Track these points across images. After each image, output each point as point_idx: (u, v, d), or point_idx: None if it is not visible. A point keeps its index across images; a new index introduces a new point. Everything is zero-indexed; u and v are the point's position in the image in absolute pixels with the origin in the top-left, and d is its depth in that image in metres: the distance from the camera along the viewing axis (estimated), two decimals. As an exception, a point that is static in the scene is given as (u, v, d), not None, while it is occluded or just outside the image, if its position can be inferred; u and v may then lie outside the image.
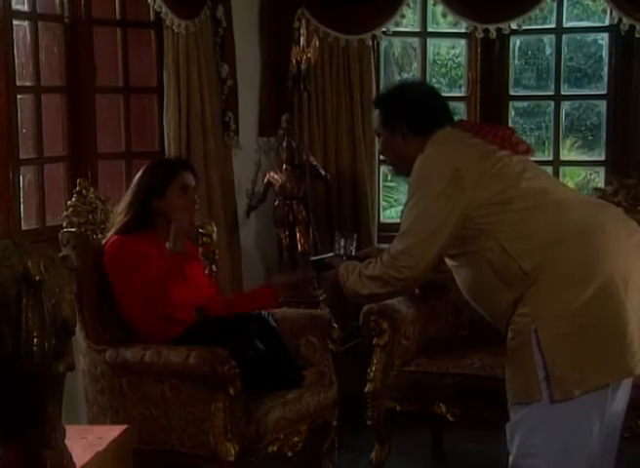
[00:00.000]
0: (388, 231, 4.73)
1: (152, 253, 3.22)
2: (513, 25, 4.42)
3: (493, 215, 2.65)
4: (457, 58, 6.60)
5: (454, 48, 6.09)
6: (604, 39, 4.77)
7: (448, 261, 2.88)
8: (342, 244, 3.26)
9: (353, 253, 3.18)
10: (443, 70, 7.37)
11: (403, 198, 7.27)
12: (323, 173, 4.45)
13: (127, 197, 3.33)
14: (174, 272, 3.20)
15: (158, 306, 3.17)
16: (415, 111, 2.85)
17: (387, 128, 2.87)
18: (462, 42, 4.87)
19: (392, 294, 3.01)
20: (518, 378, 2.65)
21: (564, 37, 4.63)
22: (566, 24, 4.64)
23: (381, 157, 3.22)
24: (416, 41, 4.96)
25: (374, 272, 2.77)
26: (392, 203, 7.19)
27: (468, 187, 2.64)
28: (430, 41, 4.90)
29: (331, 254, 3.21)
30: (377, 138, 3.05)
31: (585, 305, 2.57)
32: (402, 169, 2.87)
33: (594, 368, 2.59)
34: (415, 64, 5.30)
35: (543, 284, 2.61)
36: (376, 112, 2.94)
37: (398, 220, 4.23)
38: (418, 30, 4.82)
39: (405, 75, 6.74)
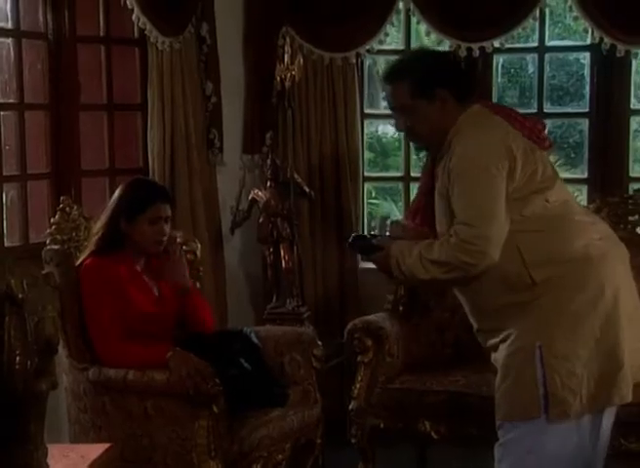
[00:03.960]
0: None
1: (123, 276, 3.23)
2: (496, 44, 4.43)
3: (518, 213, 2.66)
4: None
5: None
6: (586, 58, 4.80)
7: None
8: (378, 224, 3.11)
9: (382, 235, 3.00)
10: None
11: (386, 214, 7.30)
12: (307, 190, 4.46)
13: (103, 216, 3.33)
14: (144, 298, 3.24)
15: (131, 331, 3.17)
16: (458, 75, 2.83)
17: (422, 96, 2.71)
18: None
19: (457, 280, 2.76)
20: (516, 395, 2.65)
21: (546, 56, 4.66)
22: (548, 43, 4.67)
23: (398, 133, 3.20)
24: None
25: (440, 257, 2.64)
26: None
27: (517, 174, 2.65)
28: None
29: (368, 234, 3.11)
30: (397, 115, 2.82)
31: (589, 330, 2.62)
32: (433, 141, 2.76)
33: (592, 392, 2.62)
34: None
35: (549, 300, 2.63)
36: (395, 85, 2.76)
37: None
38: (401, 48, 4.84)
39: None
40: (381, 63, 4.87)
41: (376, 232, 3.06)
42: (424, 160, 3.05)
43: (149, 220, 3.27)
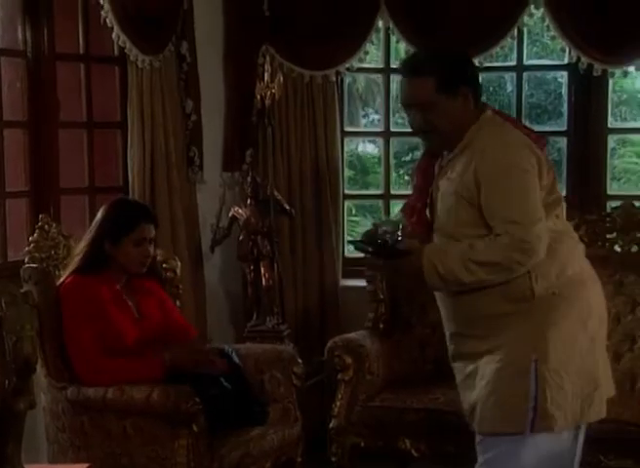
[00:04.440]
0: (353, 266, 4.77)
1: (104, 296, 3.23)
2: (475, 63, 4.46)
3: None
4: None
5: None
6: (563, 77, 4.85)
7: (443, 240, 2.77)
8: (387, 230, 2.82)
9: (395, 239, 2.78)
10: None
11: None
12: (287, 207, 4.47)
13: (86, 236, 3.33)
14: (124, 318, 3.24)
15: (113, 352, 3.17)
16: (477, 75, 2.81)
17: (447, 92, 2.68)
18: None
19: (496, 281, 2.67)
20: (506, 409, 2.65)
21: (524, 74, 4.70)
22: (526, 62, 4.72)
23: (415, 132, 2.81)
24: (379, 77, 5.01)
25: (489, 257, 2.61)
26: (356, 237, 7.22)
27: (543, 181, 2.70)
28: (393, 77, 4.95)
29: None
30: (414, 111, 2.74)
31: (578, 348, 2.69)
32: (451, 139, 2.73)
33: (575, 408, 2.67)
34: (378, 99, 5.35)
35: (544, 314, 2.66)
36: (420, 79, 2.69)
37: (362, 255, 4.36)
38: (381, 67, 4.87)
39: (369, 110, 6.81)
40: (361, 81, 4.90)
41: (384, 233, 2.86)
42: (415, 164, 3.03)
43: (134, 242, 3.28)
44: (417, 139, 5.15)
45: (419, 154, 6.62)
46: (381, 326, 4.11)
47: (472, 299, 2.70)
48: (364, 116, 7.49)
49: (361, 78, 5.13)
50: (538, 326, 2.65)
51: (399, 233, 2.72)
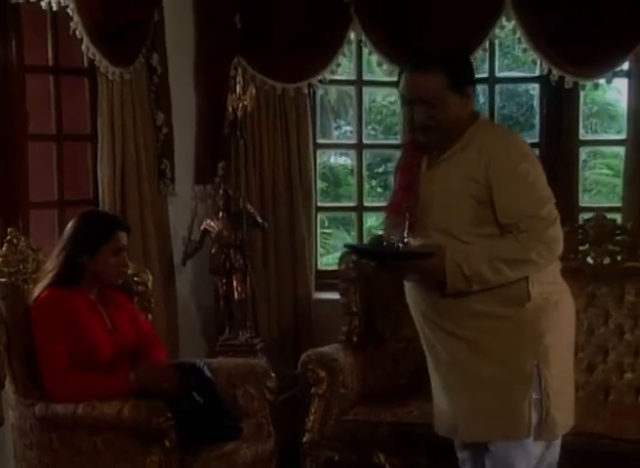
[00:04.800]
0: (326, 278, 4.77)
1: (79, 308, 3.21)
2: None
3: None
4: (392, 104, 6.71)
5: (389, 95, 6.18)
6: (535, 89, 4.89)
7: (437, 235, 2.75)
8: (394, 234, 2.82)
9: (405, 241, 2.77)
10: (378, 117, 7.47)
11: (340, 244, 7.30)
12: (260, 220, 4.46)
13: (58, 250, 3.30)
14: (99, 330, 3.21)
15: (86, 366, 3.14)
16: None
17: (456, 90, 2.71)
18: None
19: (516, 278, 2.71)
20: (505, 414, 2.68)
21: (496, 87, 4.73)
22: (498, 74, 4.75)
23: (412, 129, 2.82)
24: (351, 89, 5.02)
25: (516, 254, 2.65)
26: (329, 250, 7.24)
27: None
28: (366, 89, 4.97)
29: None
30: (418, 107, 2.72)
31: (570, 353, 2.80)
32: (451, 137, 2.74)
33: (570, 413, 2.77)
34: (350, 111, 5.37)
35: (540, 320, 2.70)
36: (430, 75, 2.70)
37: (335, 267, 4.38)
38: (353, 79, 4.88)
39: (341, 122, 6.83)
40: (333, 93, 4.90)
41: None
42: (397, 164, 2.99)
43: (112, 251, 3.26)
44: (389, 151, 5.27)
45: (392, 165, 6.68)
46: (355, 339, 4.11)
47: (468, 301, 2.70)
48: (336, 128, 7.52)
49: (333, 90, 5.14)
50: (534, 331, 2.69)
51: (405, 236, 2.71)
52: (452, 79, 2.70)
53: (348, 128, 7.26)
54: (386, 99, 7.07)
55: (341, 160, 7.52)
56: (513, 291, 2.68)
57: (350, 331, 4.12)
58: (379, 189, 7.69)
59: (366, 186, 4.89)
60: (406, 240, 2.71)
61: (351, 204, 5.07)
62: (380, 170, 7.53)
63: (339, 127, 7.53)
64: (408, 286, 2.87)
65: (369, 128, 4.98)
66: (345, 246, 2.83)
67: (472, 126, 2.75)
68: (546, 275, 2.73)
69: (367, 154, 5.03)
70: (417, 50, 4.37)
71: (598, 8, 4.13)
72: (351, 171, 6.10)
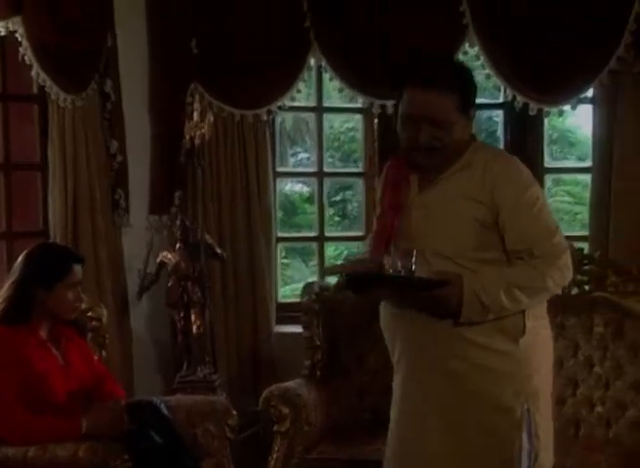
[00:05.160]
0: (286, 311, 4.75)
1: (29, 346, 3.15)
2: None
3: None
4: (349, 131, 6.73)
5: (347, 121, 6.21)
6: (499, 116, 4.94)
7: (437, 261, 2.66)
8: (399, 260, 2.63)
9: (413, 269, 2.59)
10: (336, 144, 7.49)
11: (297, 275, 7.26)
12: (219, 251, 4.43)
13: (7, 285, 3.24)
14: (51, 368, 3.16)
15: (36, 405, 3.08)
16: None
17: (464, 112, 2.62)
18: (358, 117, 4.96)
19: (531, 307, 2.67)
20: (495, 460, 2.64)
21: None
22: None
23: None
24: (307, 115, 5.04)
25: (534, 282, 2.60)
26: (287, 281, 7.22)
27: None
28: (326, 116, 4.99)
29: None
30: (423, 126, 2.59)
31: (551, 391, 2.77)
32: (451, 158, 2.67)
33: (552, 451, 2.75)
34: (307, 138, 5.38)
35: (531, 358, 2.67)
36: (443, 96, 2.57)
37: (296, 300, 4.35)
38: (313, 105, 4.90)
39: (297, 149, 6.83)
40: (289, 120, 4.90)
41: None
42: (384, 180, 2.84)
43: (68, 286, 3.22)
44: (348, 179, 5.28)
45: (350, 194, 6.68)
46: (319, 373, 4.09)
47: (464, 330, 2.63)
48: (292, 155, 7.52)
49: (289, 116, 5.15)
50: (525, 371, 2.66)
51: (413, 262, 2.57)
52: (463, 101, 2.62)
53: (304, 155, 7.27)
54: (344, 126, 7.10)
55: (297, 187, 7.52)
56: (510, 323, 2.64)
57: (313, 364, 4.10)
58: (336, 218, 7.70)
59: (327, 215, 4.89)
60: (414, 267, 2.56)
61: (311, 233, 5.06)
62: (338, 197, 7.54)
63: (295, 154, 7.54)
64: (389, 312, 2.79)
65: (327, 155, 4.97)
66: (346, 275, 2.67)
67: (470, 147, 2.70)
68: (540, 308, 2.71)
69: (326, 182, 5.02)
70: (378, 75, 4.44)
71: (563, 34, 4.19)
72: (307, 199, 6.11)
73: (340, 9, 4.50)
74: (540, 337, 2.72)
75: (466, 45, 4.39)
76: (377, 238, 2.78)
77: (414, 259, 2.55)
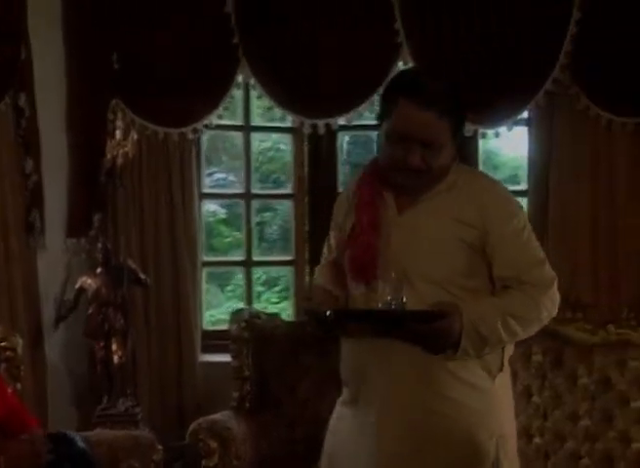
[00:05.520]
0: (212, 339, 4.67)
1: None
2: (342, 121, 4.52)
3: None
4: (268, 151, 6.68)
5: (264, 141, 6.16)
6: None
7: (425, 287, 2.55)
8: (388, 290, 2.50)
9: (404, 301, 2.48)
10: (255, 165, 7.43)
11: (214, 301, 7.17)
12: (142, 277, 4.33)
13: None
14: None
15: None
16: None
17: (455, 136, 2.56)
18: (288, 137, 4.93)
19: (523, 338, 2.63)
20: None
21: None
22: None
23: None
24: (225, 133, 5.00)
25: (528, 311, 2.53)
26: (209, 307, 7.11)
27: None
28: (254, 135, 4.95)
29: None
30: (412, 146, 2.50)
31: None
32: (433, 178, 2.59)
33: None
34: (223, 158, 5.35)
35: (503, 395, 2.64)
36: (442, 118, 2.49)
37: (224, 327, 4.27)
38: (241, 124, 4.84)
39: (213, 169, 6.74)
40: (205, 139, 4.82)
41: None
42: (358, 198, 2.68)
43: None
44: (280, 200, 5.21)
45: (268, 215, 6.62)
46: (247, 405, 4.03)
47: (450, 364, 2.55)
48: (208, 175, 7.44)
49: (219, 136, 5.09)
50: (498, 410, 2.62)
51: (403, 296, 2.46)
52: (456, 124, 2.56)
53: (220, 175, 7.20)
54: (261, 146, 7.04)
55: (211, 208, 7.43)
56: (491, 359, 2.59)
57: (242, 395, 4.04)
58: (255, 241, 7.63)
59: (242, 238, 4.87)
60: (404, 299, 2.45)
61: (231, 257, 4.98)
62: (257, 219, 7.48)
63: (210, 174, 7.46)
64: (356, 345, 2.63)
65: (242, 175, 4.88)
66: (335, 311, 2.48)
67: (452, 167, 2.63)
68: (510, 345, 2.67)
69: (240, 204, 4.97)
70: (309, 93, 4.41)
71: (499, 54, 4.22)
72: (223, 220, 6.04)
73: (270, 25, 4.46)
74: (507, 375, 2.68)
75: (400, 63, 4.38)
76: (356, 261, 2.63)
77: (403, 291, 2.46)
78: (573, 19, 4.15)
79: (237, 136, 4.99)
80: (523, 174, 4.63)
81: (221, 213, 6.68)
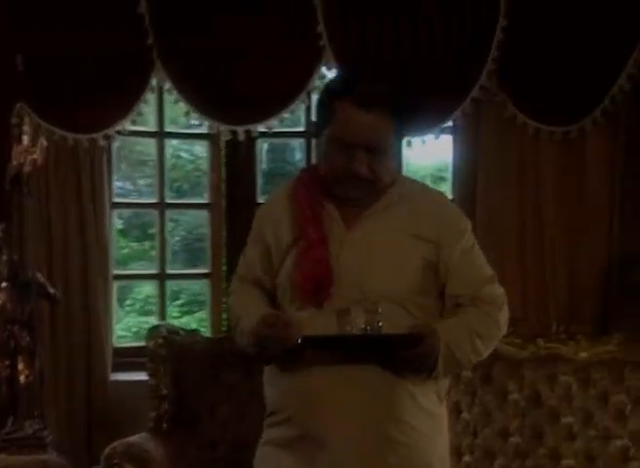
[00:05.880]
0: (125, 357, 4.58)
1: None
2: (262, 128, 4.46)
3: None
4: (171, 159, 6.56)
5: (170, 148, 6.06)
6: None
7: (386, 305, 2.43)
8: (361, 313, 2.38)
9: (380, 325, 2.37)
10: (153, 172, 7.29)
11: (131, 320, 7.03)
12: (52, 291, 4.17)
13: None
14: None
15: None
16: None
17: (398, 138, 2.51)
18: (204, 144, 4.85)
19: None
20: None
21: (314, 142, 4.72)
22: (314, 128, 4.75)
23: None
24: (148, 141, 4.90)
25: (496, 331, 2.51)
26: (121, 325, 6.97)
27: None
28: (168, 141, 4.86)
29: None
30: (361, 154, 2.42)
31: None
32: (381, 190, 2.51)
33: None
34: (124, 165, 5.26)
35: (444, 423, 2.59)
36: (384, 117, 2.40)
37: (131, 343, 4.17)
38: (154, 130, 4.74)
39: (114, 177, 6.62)
40: (128, 146, 4.72)
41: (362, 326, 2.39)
42: (306, 213, 2.54)
43: None
44: (196, 211, 5.11)
45: (171, 225, 6.51)
46: (165, 425, 3.92)
47: (415, 391, 2.48)
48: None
49: (133, 141, 4.98)
50: (444, 433, 2.59)
51: (379, 320, 2.35)
52: (399, 125, 2.46)
53: (118, 183, 7.08)
54: (169, 153, 6.92)
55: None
56: (443, 382, 2.55)
57: (159, 416, 3.93)
58: (152, 253, 7.49)
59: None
60: (380, 323, 2.35)
61: (153, 271, 4.87)
62: (153, 230, 7.34)
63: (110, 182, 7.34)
64: (304, 371, 2.45)
65: (141, 182, 4.76)
66: (304, 338, 2.35)
67: (396, 178, 2.58)
68: None
69: (139, 214, 4.87)
70: (228, 99, 4.34)
71: (424, 60, 4.22)
72: (120, 231, 5.95)
73: (186, 26, 4.37)
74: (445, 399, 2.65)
75: (323, 68, 4.35)
76: (310, 280, 2.45)
77: (379, 312, 2.36)
78: (499, 26, 4.18)
79: (139, 143, 4.86)
80: (428, 183, 4.63)
81: (118, 223, 6.57)
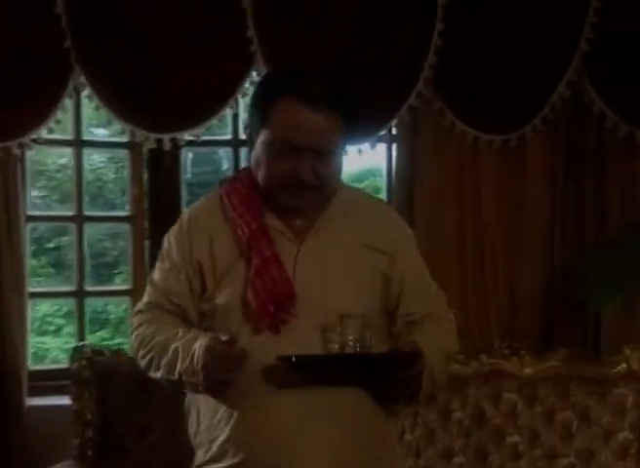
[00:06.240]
0: (40, 380, 4.42)
1: None
2: (188, 136, 4.35)
3: None
4: (67, 169, 6.42)
5: (60, 158, 5.93)
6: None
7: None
8: (351, 331, 2.25)
9: (370, 342, 2.26)
10: (53, 183, 7.09)
11: (51, 341, 6.83)
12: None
13: None
14: None
15: None
16: None
17: (344, 142, 2.37)
18: (124, 153, 4.71)
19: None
20: None
21: (241, 150, 4.64)
22: (243, 136, 4.67)
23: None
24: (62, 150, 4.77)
25: (452, 346, 2.49)
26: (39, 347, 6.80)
27: None
28: (86, 151, 4.71)
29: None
30: (306, 159, 2.30)
31: None
32: (327, 198, 2.40)
33: None
34: (58, 177, 5.10)
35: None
36: (334, 116, 2.29)
37: (51, 366, 4.01)
38: (71, 138, 4.59)
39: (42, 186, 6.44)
40: (47, 154, 4.58)
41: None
42: (254, 226, 2.38)
43: None
44: (114, 224, 4.97)
45: (66, 240, 6.41)
46: (90, 453, 3.78)
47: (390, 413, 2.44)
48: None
49: (49, 151, 4.84)
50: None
51: (368, 336, 2.23)
52: (344, 126, 2.32)
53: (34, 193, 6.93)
54: (57, 162, 6.71)
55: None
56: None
57: (84, 442, 3.79)
58: (50, 269, 7.31)
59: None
60: (371, 338, 2.24)
61: (71, 288, 4.70)
62: (51, 244, 7.16)
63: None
64: (272, 397, 2.29)
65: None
66: (296, 357, 2.14)
67: (339, 186, 2.47)
68: None
69: (41, 227, 4.72)
70: (154, 106, 4.23)
71: (359, 66, 4.17)
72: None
73: (106, 27, 4.23)
74: None
75: (254, 74, 4.27)
76: (270, 300, 2.29)
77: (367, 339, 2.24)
78: (436, 31, 4.16)
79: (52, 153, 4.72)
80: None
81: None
